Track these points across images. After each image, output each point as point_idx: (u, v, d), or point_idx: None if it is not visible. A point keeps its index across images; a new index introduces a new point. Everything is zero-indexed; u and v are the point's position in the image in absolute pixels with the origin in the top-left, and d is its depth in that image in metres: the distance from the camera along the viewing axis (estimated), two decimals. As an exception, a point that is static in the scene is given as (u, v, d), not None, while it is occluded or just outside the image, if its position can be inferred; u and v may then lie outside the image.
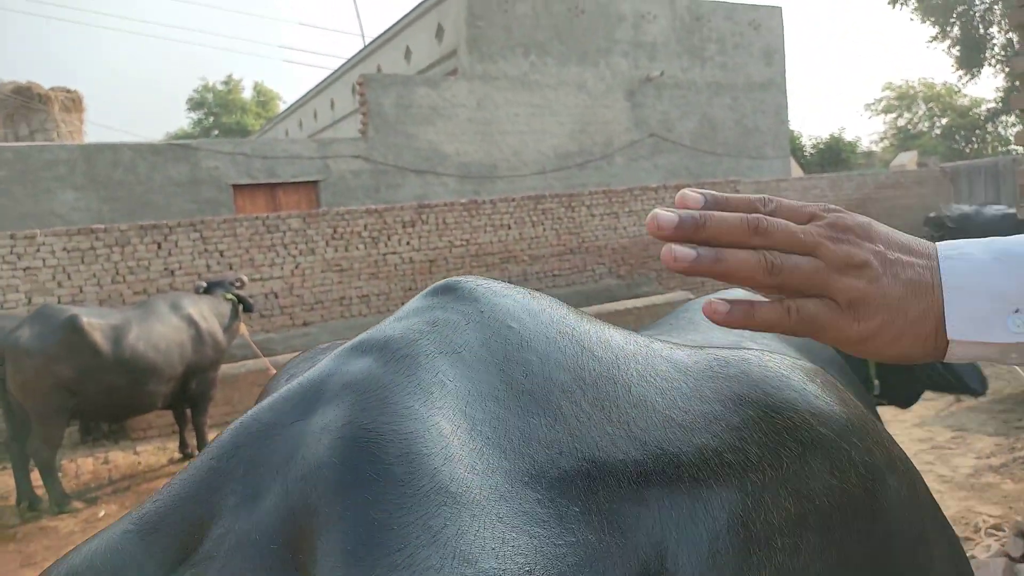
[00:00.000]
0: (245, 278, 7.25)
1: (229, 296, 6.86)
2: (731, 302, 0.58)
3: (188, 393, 6.26)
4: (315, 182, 12.73)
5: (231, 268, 8.89)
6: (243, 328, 6.89)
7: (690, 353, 0.66)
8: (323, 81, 20.26)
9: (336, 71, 19.50)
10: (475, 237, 10.55)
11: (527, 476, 0.50)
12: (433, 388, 0.54)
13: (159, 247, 8.60)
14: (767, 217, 0.56)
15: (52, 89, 13.59)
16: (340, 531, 0.44)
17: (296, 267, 9.35)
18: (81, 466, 6.61)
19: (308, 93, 21.36)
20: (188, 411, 6.49)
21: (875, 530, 0.59)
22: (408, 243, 10.04)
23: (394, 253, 9.94)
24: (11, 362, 5.50)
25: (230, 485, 0.51)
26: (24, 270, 7.83)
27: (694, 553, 0.51)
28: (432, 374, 0.55)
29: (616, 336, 0.66)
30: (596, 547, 0.48)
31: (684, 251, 0.55)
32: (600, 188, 12.19)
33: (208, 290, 6.85)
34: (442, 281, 0.67)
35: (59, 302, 7.85)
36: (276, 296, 9.22)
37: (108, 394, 5.66)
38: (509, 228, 10.86)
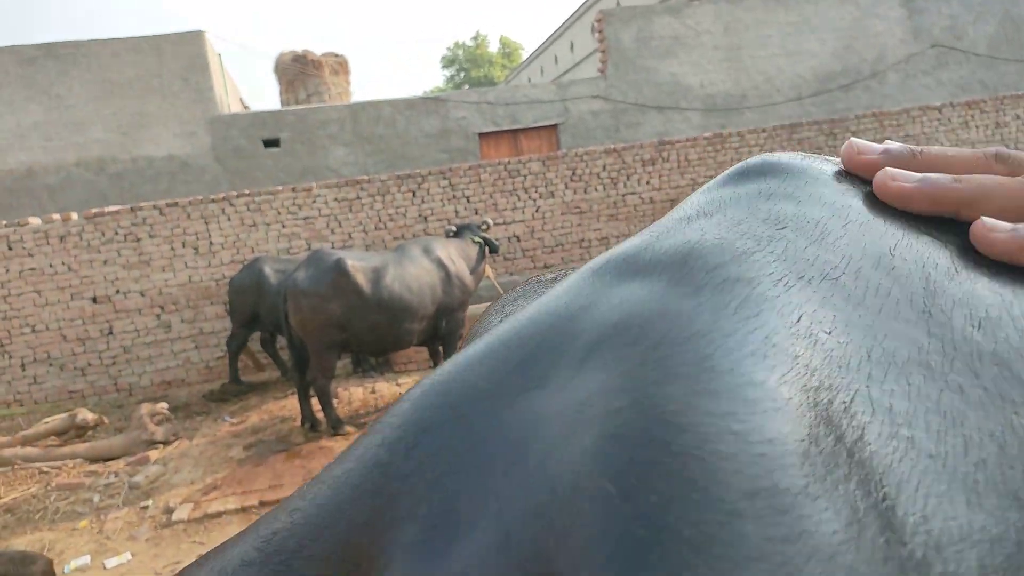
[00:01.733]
0: (490, 221, 7.46)
1: (476, 239, 7.12)
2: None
3: (439, 332, 6.61)
4: (554, 125, 12.76)
5: (476, 212, 9.23)
6: (489, 270, 7.12)
7: None
8: (562, 24, 20.18)
9: (575, 12, 19.29)
10: (720, 173, 9.86)
11: None
12: (797, 345, 0.27)
13: (413, 195, 9.16)
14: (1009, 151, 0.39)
15: (323, 55, 15.11)
16: None
17: (536, 210, 9.46)
18: (353, 394, 7.36)
19: (548, 39, 21.44)
20: (440, 348, 6.89)
21: None
22: (648, 183, 9.67)
23: (633, 193, 9.65)
24: (291, 301, 6.20)
25: (408, 501, 0.28)
26: (304, 219, 8.79)
27: None
28: (792, 318, 0.28)
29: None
30: None
31: (907, 172, 0.37)
32: (869, 111, 10.72)
33: (457, 234, 7.16)
34: (752, 160, 0.39)
35: (332, 247, 8.72)
36: (518, 239, 9.42)
37: (371, 331, 6.16)
38: (759, 162, 9.99)
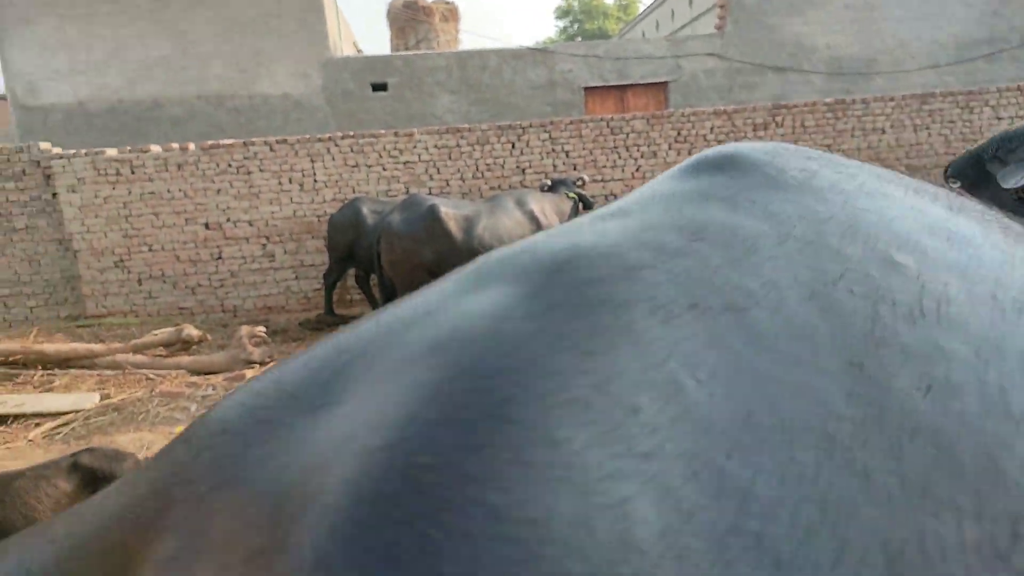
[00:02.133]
0: (586, 177, 7.35)
1: (571, 195, 7.04)
2: None
3: (524, 283, 6.63)
4: (664, 83, 12.34)
5: (575, 168, 9.11)
6: (579, 225, 7.04)
7: None
8: (684, -23, 19.34)
9: (699, -35, 18.42)
10: (838, 142, 9.30)
11: None
12: (643, 395, 0.23)
13: (513, 146, 9.12)
14: None
15: (434, 2, 15.15)
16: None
17: (637, 169, 9.23)
18: (437, 337, 7.51)
19: (668, -8, 20.63)
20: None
21: None
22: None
23: (741, 158, 9.25)
24: (385, 242, 6.35)
25: (178, 511, 0.28)
26: (404, 164, 8.94)
27: None
28: (654, 359, 0.23)
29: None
30: None
31: None
32: (1014, 84, 9.79)
33: (552, 188, 7.10)
34: (711, 151, 0.36)
35: (429, 193, 8.84)
36: (615, 198, 9.25)
37: (458, 276, 6.24)
38: (883, 132, 9.35)
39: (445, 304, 0.28)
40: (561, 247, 0.28)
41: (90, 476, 3.23)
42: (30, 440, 5.59)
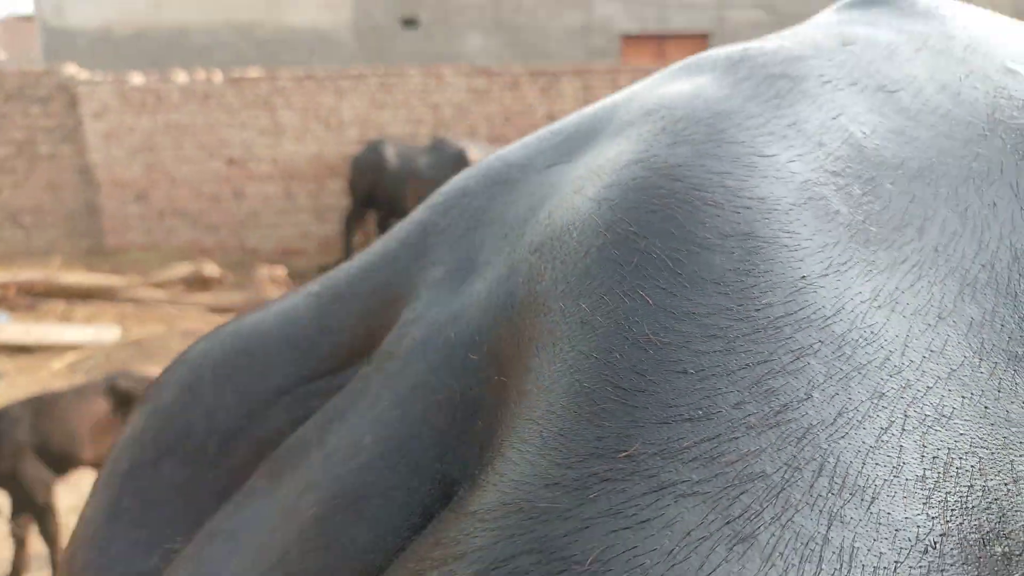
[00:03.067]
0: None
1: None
2: None
3: (551, 237, 6.50)
4: (706, 35, 11.88)
5: (608, 119, 8.85)
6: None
7: None
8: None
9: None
10: (884, 105, 8.93)
11: (1015, 337, 0.24)
12: (828, 136, 0.28)
13: (544, 93, 8.84)
14: None
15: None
16: (575, 351, 0.22)
17: (672, 123, 8.96)
18: (458, 287, 7.43)
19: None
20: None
21: None
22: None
23: (781, 116, 8.93)
24: (411, 186, 6.21)
25: (440, 249, 0.32)
26: (432, 106, 8.70)
27: None
28: (829, 113, 0.29)
29: None
30: None
31: None
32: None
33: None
34: None
35: (456, 137, 8.63)
36: (648, 152, 9.01)
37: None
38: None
39: (643, 92, 0.33)
40: (737, 49, 0.34)
41: (124, 398, 3.29)
42: (54, 371, 5.62)
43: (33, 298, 6.85)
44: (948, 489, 0.19)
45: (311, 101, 8.44)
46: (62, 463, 3.23)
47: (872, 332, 0.22)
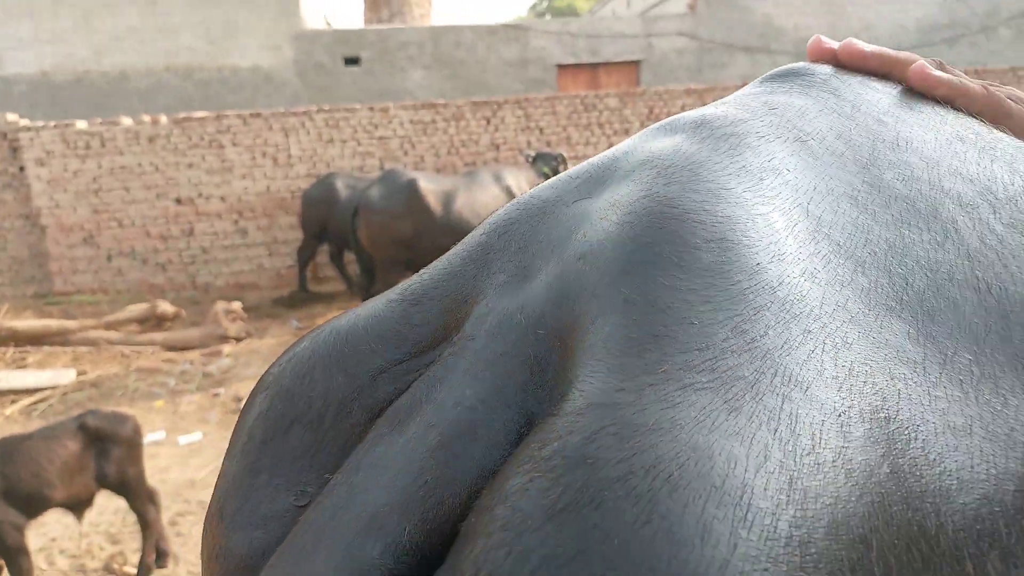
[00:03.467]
0: (565, 155, 7.46)
1: (545, 170, 7.14)
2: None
3: (501, 259, 6.74)
4: (636, 62, 12.44)
5: (549, 145, 9.19)
6: (554, 203, 7.16)
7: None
8: (655, -45, 19.37)
9: (670, -57, 18.46)
10: (805, 123, 9.51)
11: (894, 300, 0.38)
12: (765, 174, 0.42)
13: (488, 122, 9.17)
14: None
15: (408, -26, 14.96)
16: (621, 316, 0.35)
17: (610, 146, 9.32)
18: (414, 313, 7.59)
19: (639, -30, 20.65)
20: (501, 275, 7.03)
21: None
22: (728, 127, 9.43)
23: (711, 137, 9.43)
24: (363, 217, 6.39)
25: (499, 262, 0.43)
26: (379, 139, 8.93)
27: None
28: (765, 158, 0.43)
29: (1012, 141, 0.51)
30: (991, 414, 0.34)
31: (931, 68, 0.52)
32: (971, 68, 10.09)
33: (536, 160, 7.23)
34: (783, 67, 0.54)
35: (404, 168, 8.86)
36: (589, 175, 9.38)
37: (437, 251, 6.22)
38: (847, 114, 9.59)
39: (635, 147, 0.46)
40: (697, 115, 0.49)
41: (94, 436, 3.32)
42: (7, 416, 5.57)
43: (-19, 346, 6.76)
44: (851, 383, 0.34)
45: (259, 139, 8.58)
46: (32, 506, 3.23)
47: (801, 295, 0.36)
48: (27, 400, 5.80)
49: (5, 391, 5.94)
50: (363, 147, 8.89)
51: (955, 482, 0.32)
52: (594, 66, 12.45)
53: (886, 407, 0.33)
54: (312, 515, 0.37)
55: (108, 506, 3.97)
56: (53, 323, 7.04)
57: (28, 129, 8.18)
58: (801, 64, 0.54)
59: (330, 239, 7.95)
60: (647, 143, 0.46)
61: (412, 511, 0.35)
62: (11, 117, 8.26)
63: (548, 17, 38.07)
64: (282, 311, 7.96)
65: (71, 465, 3.25)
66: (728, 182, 0.40)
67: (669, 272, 0.36)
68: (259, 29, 11.78)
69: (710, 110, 0.49)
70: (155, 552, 3.49)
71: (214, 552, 0.42)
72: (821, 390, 0.32)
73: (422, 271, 0.47)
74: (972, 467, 0.33)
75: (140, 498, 3.48)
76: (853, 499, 0.30)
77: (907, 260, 0.40)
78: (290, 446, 0.42)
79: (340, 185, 7.79)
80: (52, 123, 8.29)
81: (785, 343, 0.34)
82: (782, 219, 0.39)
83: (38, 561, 3.56)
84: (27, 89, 11.21)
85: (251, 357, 6.47)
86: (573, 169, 0.48)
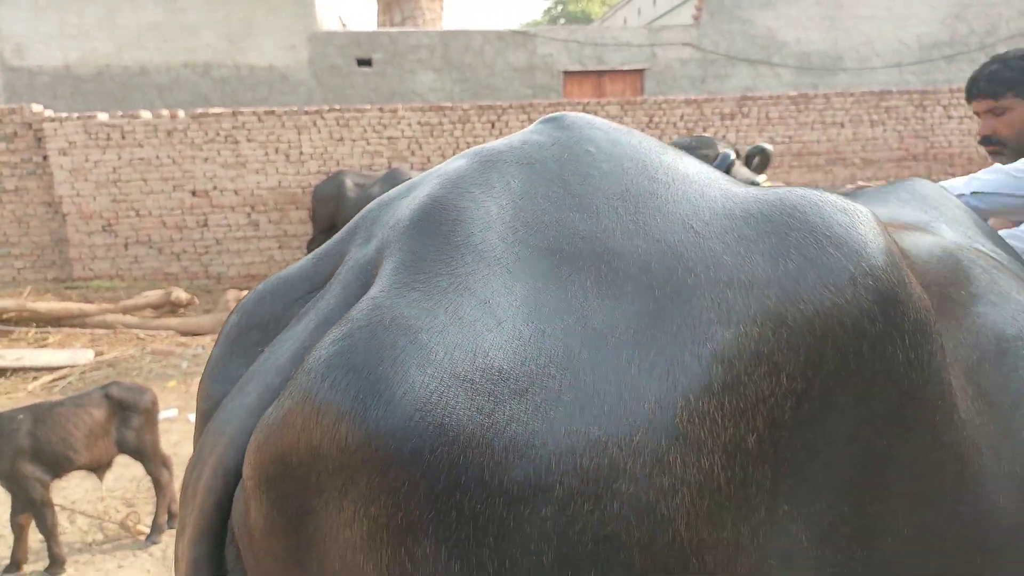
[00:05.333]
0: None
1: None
2: None
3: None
4: (641, 71, 12.73)
5: (551, 150, 9.48)
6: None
7: (755, 190, 0.73)
8: (666, -35, 19.63)
9: (681, -47, 18.72)
10: (800, 135, 9.80)
11: (546, 250, 0.65)
12: (496, 184, 0.71)
13: (492, 126, 9.49)
14: None
15: (422, -21, 15.31)
16: (396, 257, 0.67)
17: (610, 153, 9.64)
18: (415, 307, 7.90)
19: (650, -22, 20.92)
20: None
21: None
22: (724, 136, 9.70)
23: (709, 146, 9.70)
24: (369, 213, 6.72)
25: (360, 233, 0.76)
26: (388, 139, 9.27)
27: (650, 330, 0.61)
28: (501, 175, 0.72)
29: (690, 167, 0.76)
30: (583, 314, 0.61)
31: None
32: (967, 85, 10.33)
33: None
34: (555, 113, 0.84)
35: (411, 168, 9.19)
36: (589, 180, 9.67)
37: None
38: (842, 127, 9.87)
39: (436, 168, 0.79)
40: (480, 147, 0.79)
41: (117, 405, 3.64)
42: (29, 391, 5.91)
43: (5, 325, 7.12)
44: (500, 294, 0.63)
45: (273, 136, 8.93)
46: (57, 466, 3.51)
47: (492, 247, 0.67)
48: (47, 377, 6.15)
49: (27, 368, 6.29)
50: (372, 146, 9.22)
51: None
52: (600, 74, 12.76)
53: (525, 312, 0.61)
54: (252, 367, 0.73)
55: (124, 474, 4.31)
56: (73, 306, 7.40)
57: (52, 120, 8.55)
58: (562, 113, 0.83)
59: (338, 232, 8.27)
60: (448, 164, 0.78)
61: (297, 358, 0.68)
62: (36, 108, 8.63)
63: (562, 21, 38.33)
64: (290, 301, 8.29)
65: (95, 431, 3.56)
66: (470, 188, 0.71)
67: (422, 237, 0.67)
68: (276, 29, 12.14)
69: (490, 144, 0.79)
70: (167, 513, 3.81)
71: (202, 396, 0.79)
72: (479, 289, 0.62)
73: (327, 242, 0.82)
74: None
75: (155, 463, 3.80)
76: (483, 343, 0.58)
77: (563, 228, 0.68)
78: (250, 340, 0.78)
79: (349, 182, 8.12)
80: (75, 115, 8.65)
81: (472, 271, 0.64)
82: (496, 208, 0.69)
83: (60, 520, 3.88)
84: (50, 81, 11.60)
85: (259, 343, 6.80)
86: (413, 179, 0.82)
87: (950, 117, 9.91)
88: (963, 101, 9.83)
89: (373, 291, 0.63)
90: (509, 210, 0.68)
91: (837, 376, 0.61)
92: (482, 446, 0.51)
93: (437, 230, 0.66)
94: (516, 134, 0.80)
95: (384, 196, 0.80)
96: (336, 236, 0.81)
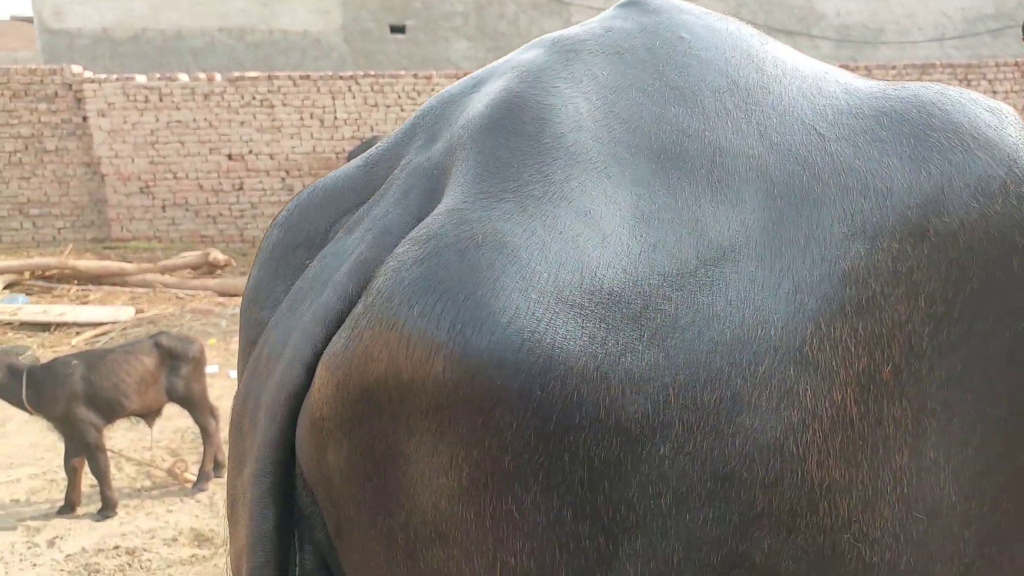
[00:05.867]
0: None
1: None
2: None
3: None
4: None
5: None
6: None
7: (880, 84, 0.64)
8: (703, -66, 19.21)
9: (718, -78, 18.31)
10: (839, 108, 9.60)
11: (648, 150, 0.57)
12: (583, 77, 0.63)
13: (526, 94, 9.43)
14: None
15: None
16: (473, 161, 0.58)
17: (645, 124, 9.56)
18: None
19: (686, -52, 20.49)
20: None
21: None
22: (762, 108, 9.57)
23: (745, 118, 9.57)
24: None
25: (420, 134, 0.68)
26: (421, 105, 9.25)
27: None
28: (587, 66, 0.64)
29: (798, 59, 0.68)
30: (696, 224, 0.53)
31: None
32: (1013, 60, 10.07)
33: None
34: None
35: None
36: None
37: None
38: (882, 101, 9.65)
39: (511, 59, 0.71)
40: (555, 34, 0.70)
41: (167, 354, 3.73)
42: (72, 345, 6.06)
43: (47, 282, 7.28)
44: (600, 199, 0.56)
45: (308, 100, 8.96)
46: (110, 411, 3.61)
47: (586, 149, 0.58)
48: (90, 333, 6.29)
49: (71, 323, 6.44)
50: (406, 112, 9.22)
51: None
52: (634, 43, 12.58)
53: (629, 222, 0.53)
54: (298, 284, 0.64)
55: (167, 426, 4.42)
56: (113, 265, 7.54)
57: (92, 81, 8.64)
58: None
59: (371, 199, 8.33)
60: (520, 54, 0.69)
61: (355, 274, 0.58)
62: (76, 69, 8.73)
63: (592, -8, 37.64)
64: (323, 266, 8.38)
65: (146, 378, 3.66)
66: (554, 81, 0.62)
67: (504, 137, 0.59)
68: (310, -7, 12.11)
69: (567, 32, 0.70)
70: (213, 462, 3.91)
71: (247, 322, 0.71)
72: (580, 200, 0.55)
73: (376, 144, 0.73)
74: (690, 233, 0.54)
75: (203, 411, 3.89)
76: (589, 262, 0.49)
77: (663, 126, 0.59)
78: (296, 260, 0.69)
79: (383, 148, 8.15)
80: (114, 76, 8.74)
81: (567, 176, 0.56)
82: (586, 104, 0.61)
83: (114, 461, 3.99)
84: (88, 43, 11.69)
85: (295, 305, 6.90)
86: (475, 72, 0.72)
87: (995, 92, 9.67)
88: (1010, 76, 9.59)
89: (452, 200, 0.55)
90: (601, 106, 0.60)
91: (982, 297, 0.53)
92: (596, 380, 0.45)
93: (521, 129, 0.58)
94: (592, 20, 0.71)
95: (445, 92, 0.71)
96: (388, 140, 0.71)
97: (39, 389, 3.46)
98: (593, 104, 0.60)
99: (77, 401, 3.53)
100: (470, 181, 0.56)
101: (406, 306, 0.49)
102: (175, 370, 3.78)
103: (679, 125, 0.58)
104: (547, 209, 0.53)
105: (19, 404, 3.47)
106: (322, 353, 0.56)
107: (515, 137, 0.57)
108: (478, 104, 0.63)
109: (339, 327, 0.56)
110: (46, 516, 3.60)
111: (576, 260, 0.51)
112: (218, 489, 3.82)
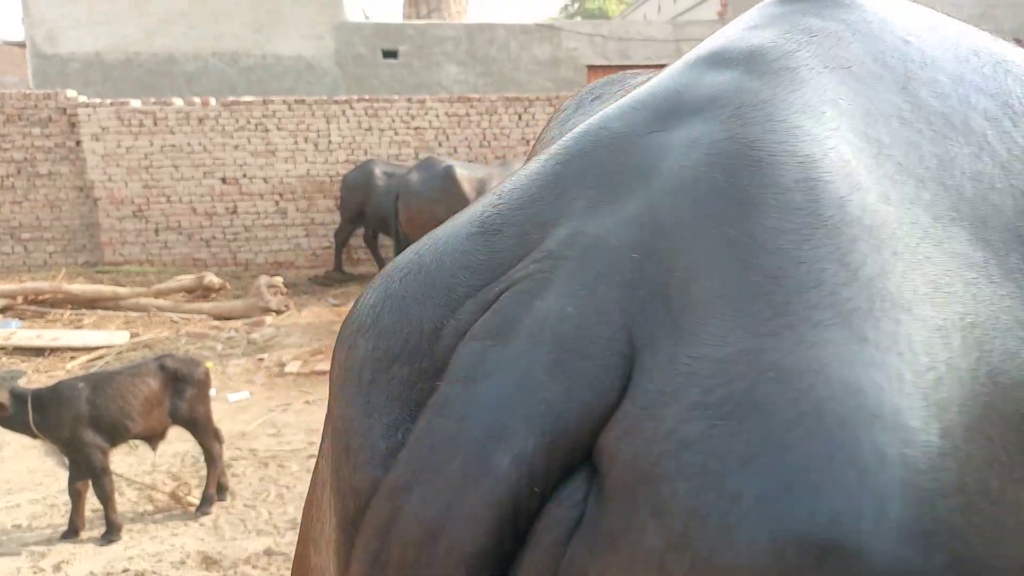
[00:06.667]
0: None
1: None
2: None
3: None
4: (665, 66, 12.74)
5: (577, 142, 9.54)
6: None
7: None
8: (687, -38, 19.65)
9: (702, -50, 18.72)
10: (826, 131, 9.78)
11: (953, 211, 0.41)
12: (824, 107, 0.44)
13: (519, 118, 9.55)
14: None
15: (447, -28, 15.37)
16: (732, 257, 0.38)
17: (636, 147, 9.68)
18: (443, 295, 7.98)
19: (670, -25, 20.92)
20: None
21: None
22: (751, 132, 9.73)
23: (735, 141, 9.73)
24: (402, 200, 6.80)
25: (576, 189, 0.46)
26: (415, 129, 9.34)
27: None
28: (820, 92, 0.45)
29: None
30: None
31: None
32: None
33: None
34: None
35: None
36: (614, 173, 9.72)
37: (469, 236, 6.72)
38: (868, 124, 9.85)
39: (691, 82, 0.48)
40: (745, 46, 0.49)
41: (172, 376, 3.71)
42: (68, 370, 6.01)
43: (40, 307, 7.23)
44: (939, 296, 0.36)
45: (302, 124, 9.01)
46: (115, 434, 3.56)
47: (883, 219, 0.38)
48: (85, 357, 6.25)
49: (65, 348, 6.39)
50: (400, 136, 9.30)
51: None
52: (624, 68, 12.77)
53: (969, 313, 0.35)
54: (436, 423, 0.39)
55: (168, 450, 4.39)
56: (107, 289, 7.51)
57: (86, 106, 8.66)
58: None
59: (366, 222, 8.36)
60: (703, 77, 0.47)
61: (534, 426, 0.36)
62: (71, 93, 8.75)
63: (579, 19, 38.35)
64: (318, 289, 8.40)
65: (151, 400, 3.63)
66: (798, 120, 0.43)
67: (769, 214, 0.38)
68: (303, 19, 12.22)
69: (756, 40, 0.49)
70: (216, 485, 3.88)
71: (343, 488, 0.46)
72: (920, 307, 0.34)
73: (494, 199, 0.48)
74: None
75: (207, 434, 3.87)
76: (969, 402, 0.31)
77: (955, 172, 0.42)
78: (395, 383, 0.45)
79: (377, 171, 8.20)
80: (108, 101, 8.77)
81: (882, 268, 0.35)
82: (848, 149, 0.42)
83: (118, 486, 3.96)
84: (81, 67, 11.72)
85: (291, 328, 6.90)
86: (628, 99, 0.49)
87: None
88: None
89: (725, 327, 0.36)
90: (868, 150, 0.43)
91: None
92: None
93: (787, 200, 0.40)
94: (761, 19, 0.53)
95: (592, 129, 0.49)
96: (508, 195, 0.49)
97: (44, 412, 3.43)
98: (855, 146, 0.43)
99: (83, 424, 3.49)
100: (744, 293, 0.36)
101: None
102: (180, 392, 3.77)
103: (972, 171, 0.43)
104: (891, 331, 0.34)
105: (26, 429, 3.44)
106: None
107: (784, 213, 0.39)
108: (687, 155, 0.43)
109: (515, 517, 0.37)
110: (49, 541, 3.56)
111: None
112: (222, 513, 3.79)
